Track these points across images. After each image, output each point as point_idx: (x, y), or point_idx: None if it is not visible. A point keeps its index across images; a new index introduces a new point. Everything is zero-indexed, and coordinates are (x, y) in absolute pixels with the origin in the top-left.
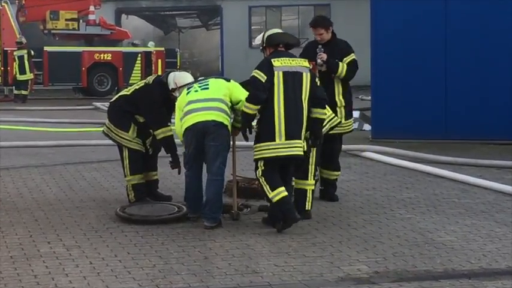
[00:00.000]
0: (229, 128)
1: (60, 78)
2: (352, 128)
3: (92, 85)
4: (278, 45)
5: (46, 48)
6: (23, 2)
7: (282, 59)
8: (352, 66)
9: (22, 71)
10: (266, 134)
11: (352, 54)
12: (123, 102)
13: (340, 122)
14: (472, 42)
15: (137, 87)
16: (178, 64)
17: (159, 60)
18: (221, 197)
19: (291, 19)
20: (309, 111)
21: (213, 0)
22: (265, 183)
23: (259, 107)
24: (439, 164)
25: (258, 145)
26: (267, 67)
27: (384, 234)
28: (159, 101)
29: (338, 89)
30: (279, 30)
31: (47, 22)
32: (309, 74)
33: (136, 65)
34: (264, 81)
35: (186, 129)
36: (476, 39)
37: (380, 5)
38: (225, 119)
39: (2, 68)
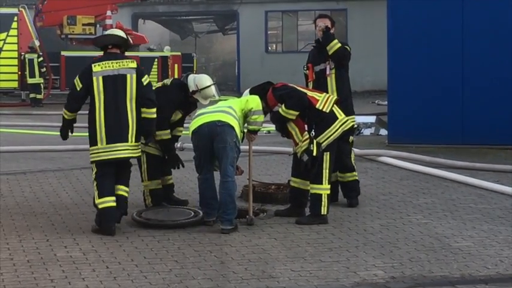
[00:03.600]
0: (237, 129)
1: None
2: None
3: None
4: (107, 47)
5: (63, 53)
6: (41, 7)
7: (104, 62)
8: (343, 48)
9: (32, 75)
10: (91, 138)
11: (346, 47)
12: None
13: (353, 126)
14: (489, 47)
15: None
16: (195, 69)
17: (176, 65)
18: (233, 198)
19: (307, 24)
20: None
21: (229, 5)
22: (95, 188)
23: (74, 114)
24: (455, 169)
25: (90, 149)
26: (85, 74)
27: (400, 239)
28: (175, 102)
29: (331, 86)
30: (115, 31)
31: (64, 27)
32: (134, 75)
33: (153, 70)
34: (78, 89)
35: (192, 131)
36: (494, 44)
37: (397, 10)
38: (232, 120)
39: (19, 73)
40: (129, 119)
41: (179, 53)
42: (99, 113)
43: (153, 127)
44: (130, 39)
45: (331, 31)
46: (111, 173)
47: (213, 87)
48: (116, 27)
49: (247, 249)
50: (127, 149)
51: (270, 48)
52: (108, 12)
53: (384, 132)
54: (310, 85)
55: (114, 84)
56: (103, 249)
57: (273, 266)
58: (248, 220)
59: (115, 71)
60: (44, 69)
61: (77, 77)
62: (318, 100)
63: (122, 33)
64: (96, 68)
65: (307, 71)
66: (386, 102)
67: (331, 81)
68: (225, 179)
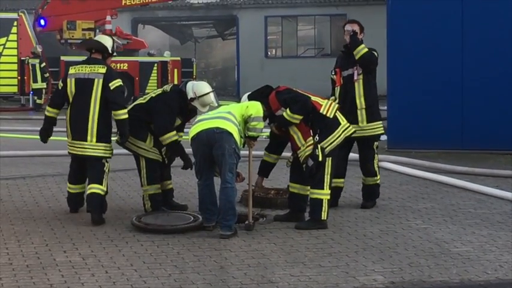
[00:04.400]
0: (236, 136)
1: None
2: (379, 132)
3: None
4: (91, 51)
5: (63, 58)
6: (40, 11)
7: (79, 66)
8: (370, 53)
9: (34, 80)
10: (66, 132)
11: (373, 52)
12: (139, 110)
13: (355, 131)
14: (490, 52)
15: (153, 95)
16: (195, 74)
17: (175, 70)
18: (233, 204)
19: (307, 29)
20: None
21: (229, 10)
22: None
23: (55, 111)
24: (455, 174)
25: None
26: (64, 75)
27: (399, 245)
28: (174, 109)
29: (359, 91)
30: (101, 38)
31: (63, 32)
32: (101, 80)
33: (152, 75)
34: (60, 88)
35: (192, 138)
36: (494, 48)
37: (396, 16)
38: (230, 127)
39: (19, 78)
40: (90, 120)
41: (179, 58)
42: (69, 111)
43: (123, 127)
44: (117, 43)
45: (360, 36)
46: (78, 165)
47: (211, 95)
48: (116, 32)
49: (246, 254)
50: (85, 148)
51: (269, 53)
52: (108, 17)
53: (383, 137)
54: (338, 90)
55: (83, 87)
56: (102, 254)
57: (272, 271)
58: (247, 225)
59: (86, 74)
60: (47, 74)
61: (61, 79)
62: (321, 105)
63: (106, 40)
64: (71, 70)
65: (335, 75)
66: (385, 107)
67: (359, 87)
68: (225, 185)
